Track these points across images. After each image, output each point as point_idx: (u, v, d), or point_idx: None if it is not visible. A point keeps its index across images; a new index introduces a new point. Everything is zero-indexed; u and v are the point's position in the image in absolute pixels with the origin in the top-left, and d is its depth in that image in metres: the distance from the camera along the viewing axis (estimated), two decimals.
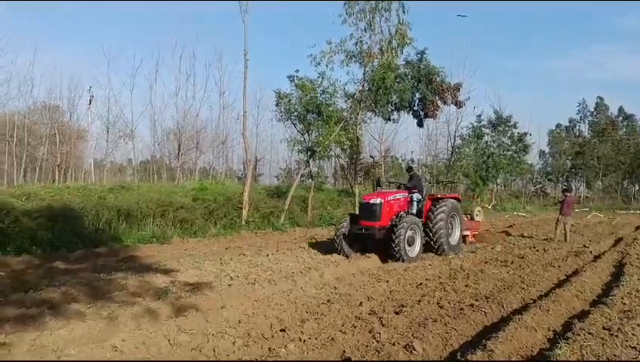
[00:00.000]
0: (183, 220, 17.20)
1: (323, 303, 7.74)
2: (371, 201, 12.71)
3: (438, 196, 14.38)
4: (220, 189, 22.19)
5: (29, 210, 13.94)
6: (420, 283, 9.47)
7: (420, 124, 30.34)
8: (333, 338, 5.91)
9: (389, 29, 21.02)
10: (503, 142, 40.08)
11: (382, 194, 13.02)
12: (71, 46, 60.36)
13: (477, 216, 18.54)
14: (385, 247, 12.18)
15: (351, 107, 25.41)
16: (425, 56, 27.11)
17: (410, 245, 12.27)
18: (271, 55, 62.42)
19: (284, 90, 23.25)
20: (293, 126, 24.80)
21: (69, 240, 13.28)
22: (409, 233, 12.22)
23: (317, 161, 27.54)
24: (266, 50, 63.06)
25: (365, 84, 24.51)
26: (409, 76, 26.66)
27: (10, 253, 11.64)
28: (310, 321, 6.64)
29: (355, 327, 6.39)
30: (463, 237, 15.15)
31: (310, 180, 27.23)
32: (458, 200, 14.77)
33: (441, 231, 13.13)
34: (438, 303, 7.69)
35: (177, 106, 35.86)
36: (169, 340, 5.74)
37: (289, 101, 22.86)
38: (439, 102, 27.90)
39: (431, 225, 13.17)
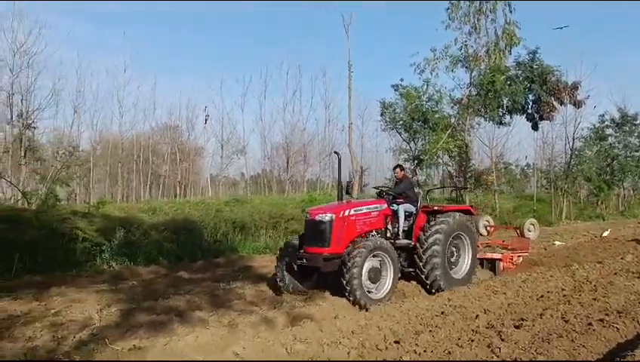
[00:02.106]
0: (294, 231, 17.67)
1: (437, 315, 7.54)
2: (317, 218, 8.78)
3: (437, 208, 10.40)
4: (327, 200, 22.55)
5: (155, 224, 15.14)
6: (542, 296, 8.89)
7: (535, 127, 28.78)
8: (449, 352, 5.74)
9: (495, 30, 20.35)
10: (630, 142, 36.72)
11: (337, 207, 9.05)
12: (188, 70, 64.90)
13: (530, 231, 14.48)
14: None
15: (458, 113, 24.76)
16: (537, 55, 25.78)
17: (373, 281, 8.61)
18: (374, 66, 62.74)
19: (388, 99, 23.22)
20: (398, 135, 24.67)
21: (191, 251, 14.19)
22: (370, 264, 8.52)
23: (424, 170, 27.10)
24: (368, 61, 63.49)
25: (473, 89, 23.80)
26: (521, 77, 25.44)
27: (141, 264, 12.64)
28: (424, 333, 6.50)
29: (472, 341, 6.15)
30: (492, 263, 11.85)
31: (417, 189, 26.85)
32: (468, 213, 10.86)
33: (435, 261, 9.43)
34: (562, 317, 7.18)
35: (285, 121, 37.10)
36: (286, 349, 5.90)
37: (394, 110, 22.84)
38: (555, 103, 26.33)
39: (421, 251, 9.51)
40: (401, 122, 22.67)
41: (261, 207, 19.06)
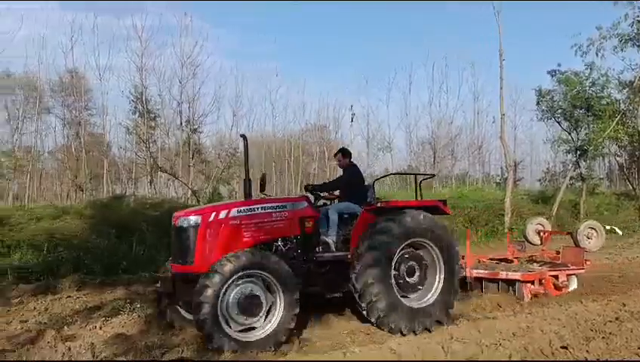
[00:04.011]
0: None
1: (610, 321, 6.83)
2: (179, 223, 6.68)
3: (391, 204, 7.54)
4: (477, 196, 21.72)
5: None
6: None
7: None
8: None
9: None
10: None
11: (210, 208, 6.80)
12: (334, 71, 66.73)
13: (589, 239, 10.73)
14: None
15: (628, 97, 22.17)
16: None
17: (250, 314, 6.01)
18: (526, 52, 58.77)
19: (544, 86, 21.61)
20: (557, 124, 22.83)
21: None
22: (237, 293, 5.98)
23: (587, 162, 24.74)
24: (520, 47, 59.63)
25: None
26: None
27: None
28: (596, 340, 5.93)
29: None
30: (508, 283, 8.76)
31: (580, 183, 24.56)
32: (438, 210, 7.74)
33: (370, 281, 6.67)
34: None
35: (431, 115, 36.37)
36: (442, 347, 5.78)
37: (551, 98, 21.18)
38: None
39: (354, 272, 6.83)
40: (560, 111, 20.95)
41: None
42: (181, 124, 27.39)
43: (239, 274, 5.90)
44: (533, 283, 8.65)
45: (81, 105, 29.59)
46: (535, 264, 9.80)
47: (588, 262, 9.37)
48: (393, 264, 6.86)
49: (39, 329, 7.11)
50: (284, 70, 55.56)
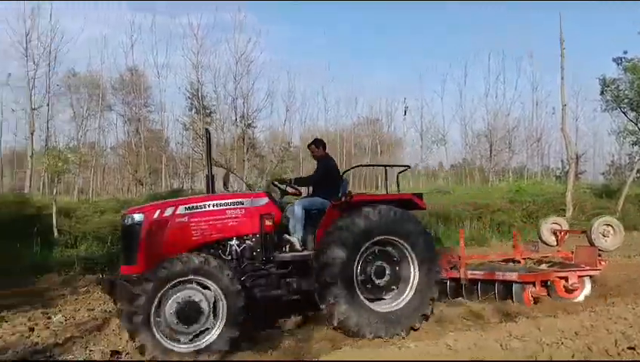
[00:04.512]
0: (501, 223, 16.86)
1: None
2: (125, 221, 6.28)
3: (359, 199, 6.73)
4: (536, 190, 21.05)
5: None
6: None
7: None
8: None
9: None
10: None
11: (156, 205, 6.41)
12: (387, 63, 66.08)
13: (605, 237, 9.10)
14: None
15: None
16: None
17: (188, 322, 5.50)
18: (588, 40, 56.15)
19: (609, 75, 20.62)
20: (623, 115, 21.77)
21: None
22: (183, 295, 5.53)
23: None
24: (582, 35, 57.05)
25: None
26: None
27: None
28: None
29: None
30: (506, 286, 7.87)
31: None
32: (412, 205, 6.96)
33: (332, 290, 6.09)
34: None
35: (487, 107, 35.46)
36: (501, 344, 5.63)
37: (617, 87, 20.17)
38: None
39: (314, 271, 6.29)
40: (626, 100, 19.94)
41: (464, 198, 18.58)
42: (236, 119, 27.94)
43: (175, 281, 5.45)
44: (534, 284, 7.73)
45: (140, 103, 30.74)
46: (544, 265, 8.90)
47: (603, 263, 8.43)
48: (357, 263, 6.23)
49: (105, 317, 7.46)
50: (336, 64, 55.55)
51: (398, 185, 7.42)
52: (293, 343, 5.93)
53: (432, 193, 20.44)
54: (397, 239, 6.44)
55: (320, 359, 5.29)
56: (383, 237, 6.38)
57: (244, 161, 26.75)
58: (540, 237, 9.90)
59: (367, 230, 6.26)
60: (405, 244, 6.47)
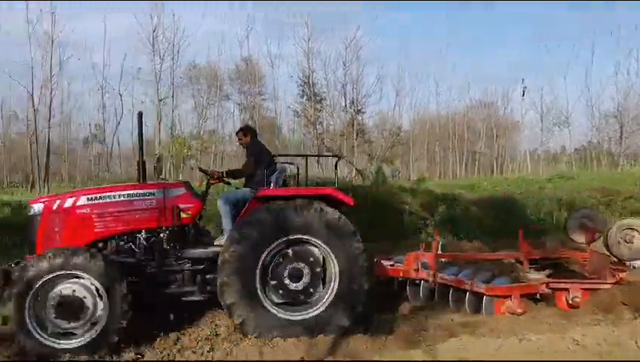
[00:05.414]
0: (634, 211, 15.41)
1: None
2: (28, 211, 6.04)
3: (272, 193, 6.00)
4: None
5: (474, 200, 15.28)
6: None
7: None
8: None
9: None
10: None
11: (57, 196, 6.12)
12: (503, 43, 62.70)
13: (628, 244, 6.81)
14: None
15: None
16: None
17: (68, 319, 5.21)
18: None
19: None
20: None
21: (512, 229, 13.78)
22: (54, 295, 5.19)
23: None
24: None
25: None
26: None
27: (463, 239, 12.90)
28: None
29: None
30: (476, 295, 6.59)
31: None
32: (335, 201, 6.02)
33: (230, 288, 5.55)
34: None
35: (617, 86, 32.42)
36: (636, 342, 5.21)
37: None
38: None
39: (219, 266, 5.69)
40: None
41: (590, 184, 17.23)
42: (345, 105, 28.17)
43: (49, 276, 5.14)
44: (510, 298, 6.42)
45: (255, 91, 32.00)
46: (545, 270, 7.46)
47: (621, 275, 6.75)
48: (260, 264, 5.64)
49: None
50: (449, 47, 53.66)
51: (336, 176, 6.69)
52: (408, 329, 5.88)
53: (554, 178, 19.26)
54: (312, 239, 5.75)
55: (436, 345, 5.22)
56: (294, 236, 5.73)
57: (353, 147, 26.94)
58: (568, 232, 8.31)
59: (274, 228, 5.66)
60: (323, 245, 5.76)
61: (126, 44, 46.28)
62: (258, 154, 6.50)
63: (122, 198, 5.86)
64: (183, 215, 5.88)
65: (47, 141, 25.00)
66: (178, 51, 27.11)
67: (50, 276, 5.13)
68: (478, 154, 38.07)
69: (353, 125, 27.65)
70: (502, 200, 15.24)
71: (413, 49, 57.18)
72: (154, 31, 26.34)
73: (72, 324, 5.17)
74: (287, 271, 5.69)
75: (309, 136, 28.75)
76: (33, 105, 24.89)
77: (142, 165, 6.12)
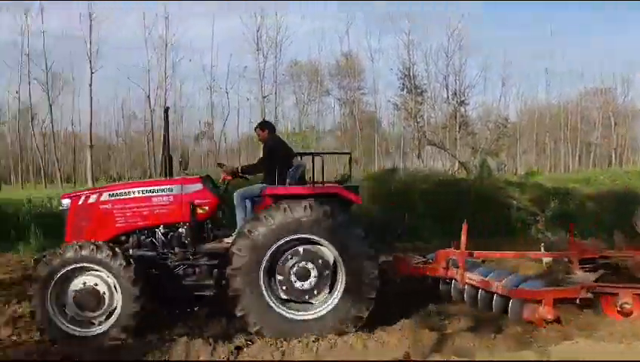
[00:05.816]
0: None
1: None
2: (61, 205, 6.42)
3: (278, 191, 5.81)
4: None
5: (590, 195, 14.28)
6: None
7: None
8: None
9: None
10: None
11: (83, 192, 6.34)
12: (624, 26, 57.75)
13: None
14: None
15: None
16: None
17: (89, 309, 5.51)
18: None
19: None
20: None
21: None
22: (75, 286, 5.46)
23: None
24: None
25: None
26: None
27: (577, 236, 12.06)
28: None
29: None
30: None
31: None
32: (343, 200, 5.77)
33: (235, 281, 5.42)
34: None
35: None
36: None
37: None
38: None
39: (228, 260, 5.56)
40: None
41: None
42: (447, 97, 27.44)
43: (68, 268, 5.40)
44: (540, 303, 5.66)
45: (354, 86, 32.12)
46: (593, 272, 6.48)
47: None
48: (264, 262, 5.53)
49: None
50: (558, 31, 50.24)
51: (350, 174, 6.54)
52: (520, 329, 5.62)
53: None
54: (318, 238, 5.61)
55: (548, 347, 4.95)
56: (300, 235, 5.59)
57: (455, 139, 26.19)
58: (635, 225, 7.46)
59: (279, 226, 5.55)
60: (329, 245, 5.60)
61: (232, 45, 48.49)
62: (273, 150, 6.39)
63: (142, 194, 6.03)
64: (199, 210, 5.97)
65: (162, 139, 26.80)
66: (281, 49, 27.98)
67: (72, 267, 5.40)
68: (594, 146, 35.39)
69: (456, 117, 26.86)
70: (623, 194, 14.07)
71: (520, 38, 54.30)
72: (257, 30, 27.35)
73: (90, 314, 5.43)
74: (294, 270, 5.60)
75: (409, 129, 28.33)
76: (150, 105, 26.88)
77: (168, 160, 6.24)
